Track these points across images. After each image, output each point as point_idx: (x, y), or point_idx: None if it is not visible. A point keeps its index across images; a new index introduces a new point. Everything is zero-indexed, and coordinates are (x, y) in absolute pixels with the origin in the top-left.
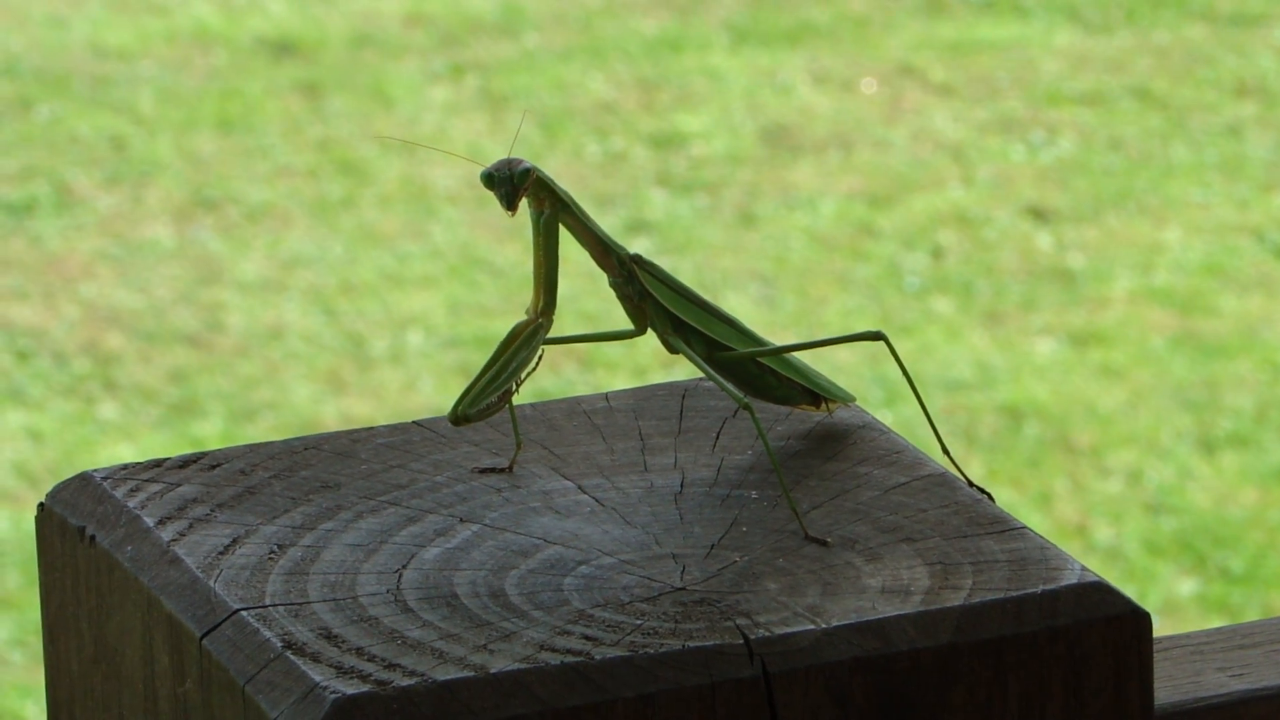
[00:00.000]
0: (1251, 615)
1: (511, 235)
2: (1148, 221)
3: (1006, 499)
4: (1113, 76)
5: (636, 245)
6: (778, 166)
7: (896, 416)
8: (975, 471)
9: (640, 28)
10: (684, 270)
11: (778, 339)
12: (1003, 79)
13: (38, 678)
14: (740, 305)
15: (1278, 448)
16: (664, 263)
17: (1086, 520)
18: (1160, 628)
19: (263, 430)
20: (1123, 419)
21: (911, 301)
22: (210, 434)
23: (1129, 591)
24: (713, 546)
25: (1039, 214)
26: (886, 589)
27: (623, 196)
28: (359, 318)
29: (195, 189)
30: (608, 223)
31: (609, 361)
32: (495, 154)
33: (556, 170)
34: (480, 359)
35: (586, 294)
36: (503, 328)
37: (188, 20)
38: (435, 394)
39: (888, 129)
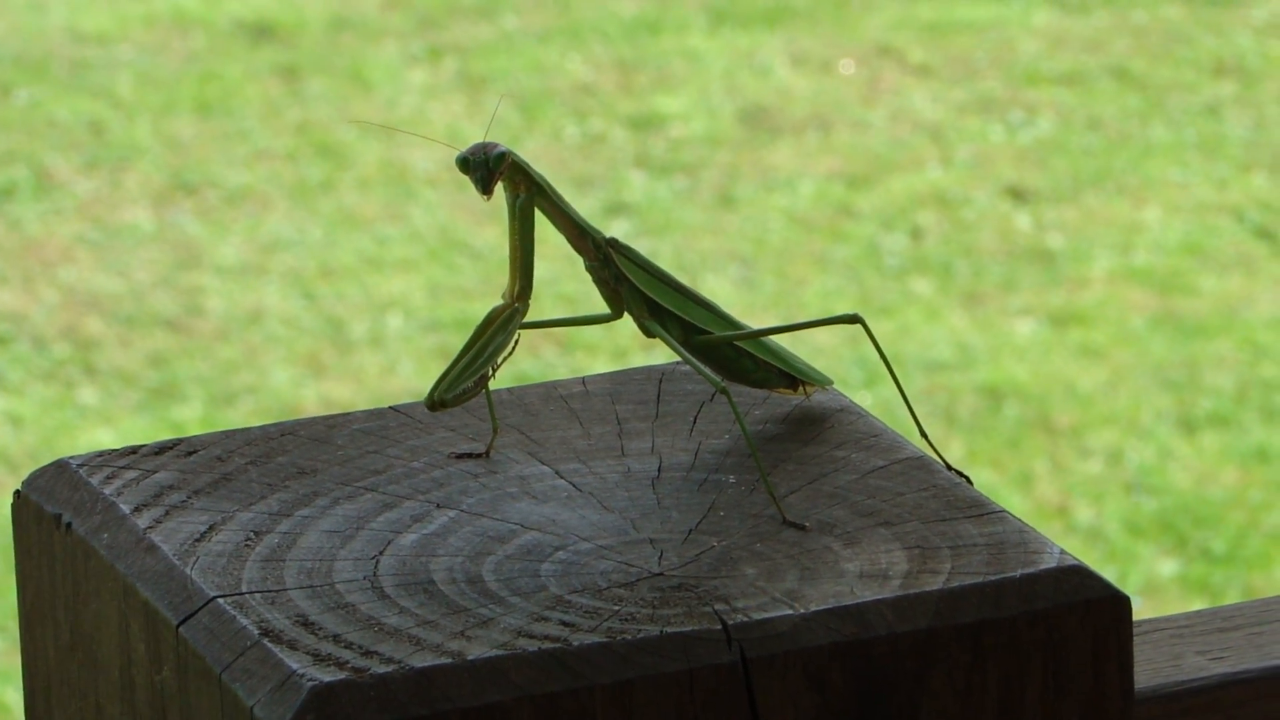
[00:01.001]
0: (1233, 596)
1: (491, 218)
2: (1127, 201)
3: (987, 480)
4: (1091, 56)
5: (615, 227)
6: (756, 148)
7: (876, 398)
8: (955, 452)
9: (618, 9)
10: (663, 252)
11: (757, 320)
12: (981, 59)
13: (18, 663)
14: (719, 287)
15: (1258, 427)
16: (643, 244)
17: (1067, 501)
18: (1141, 609)
19: (243, 414)
20: (1103, 399)
21: (891, 282)
22: (190, 418)
23: (1110, 572)
24: (690, 531)
25: (1018, 194)
26: (865, 573)
27: (602, 178)
28: (338, 301)
29: (174, 173)
30: (587, 204)
31: (588, 344)
32: (474, 136)
33: (535, 152)
34: (460, 342)
35: (566, 276)
36: (482, 310)
37: (166, 4)
38: (415, 377)
39: (866, 110)
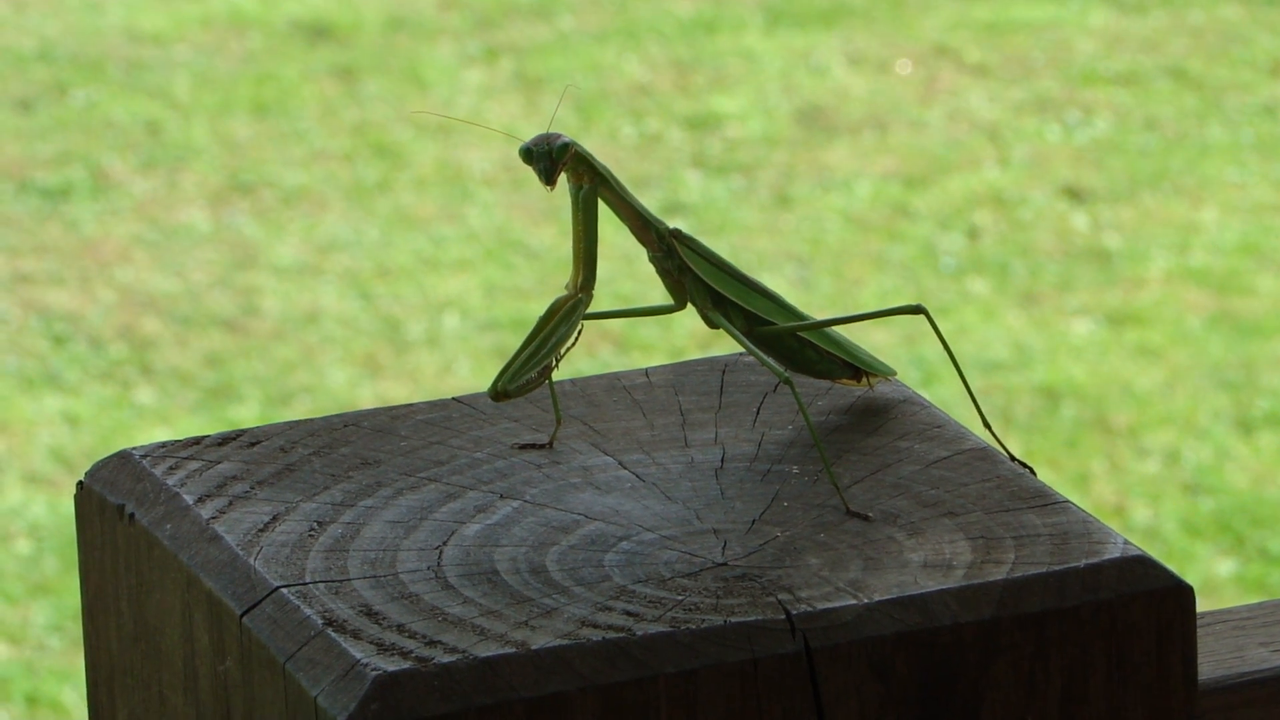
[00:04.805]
0: None
1: (547, 217)
2: (1184, 201)
3: (1044, 479)
4: (1148, 56)
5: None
6: (813, 147)
7: (934, 396)
8: (1012, 452)
9: (675, 9)
10: (720, 251)
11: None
12: (1038, 59)
13: (76, 663)
14: (776, 286)
15: None
16: None
17: (1124, 501)
18: (1198, 608)
19: (299, 414)
20: (1160, 399)
21: (947, 282)
22: (246, 418)
23: None
24: (754, 522)
25: (1075, 194)
26: (928, 563)
27: (658, 178)
28: (395, 301)
29: (231, 173)
30: (644, 204)
31: (645, 343)
32: (531, 134)
33: (592, 152)
34: (516, 341)
35: (623, 276)
36: (539, 310)
37: (223, 4)
38: (471, 376)
39: (923, 110)
